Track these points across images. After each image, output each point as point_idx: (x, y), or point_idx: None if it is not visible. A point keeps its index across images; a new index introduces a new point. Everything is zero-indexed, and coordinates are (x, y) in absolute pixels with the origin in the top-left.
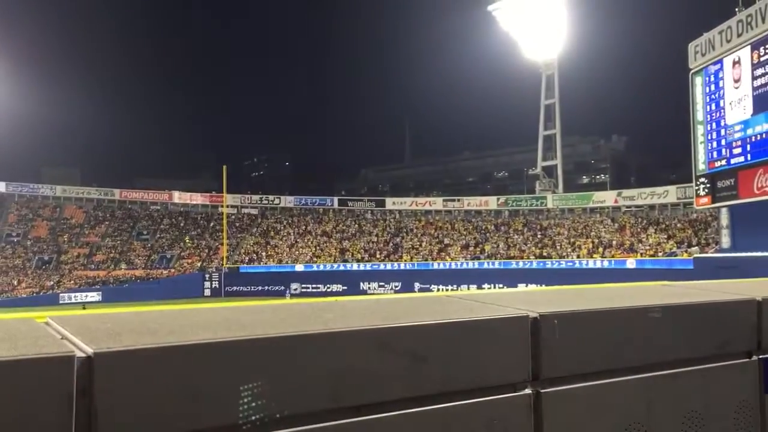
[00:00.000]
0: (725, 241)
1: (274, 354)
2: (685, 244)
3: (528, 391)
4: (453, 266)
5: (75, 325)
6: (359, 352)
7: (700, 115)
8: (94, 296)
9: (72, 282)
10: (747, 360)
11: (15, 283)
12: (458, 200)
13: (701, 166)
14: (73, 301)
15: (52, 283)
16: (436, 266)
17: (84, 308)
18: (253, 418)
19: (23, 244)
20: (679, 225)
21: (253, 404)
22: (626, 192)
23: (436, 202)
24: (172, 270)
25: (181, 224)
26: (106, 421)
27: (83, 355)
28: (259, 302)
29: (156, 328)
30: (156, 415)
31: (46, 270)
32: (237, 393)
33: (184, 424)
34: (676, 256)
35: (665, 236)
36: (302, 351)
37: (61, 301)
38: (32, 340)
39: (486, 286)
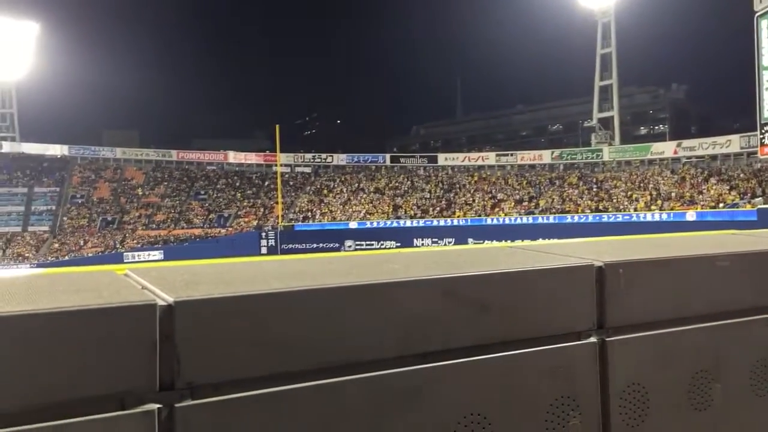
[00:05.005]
0: None
1: (343, 303)
2: (749, 195)
3: (593, 339)
4: (507, 221)
5: (154, 276)
6: (426, 301)
7: (765, 60)
8: (156, 255)
9: (135, 241)
10: None
11: (81, 243)
12: (511, 155)
13: (767, 114)
14: (136, 259)
15: (115, 242)
16: (489, 222)
17: None
18: (324, 364)
19: (87, 205)
20: (742, 175)
21: (323, 351)
22: (686, 142)
23: (489, 157)
24: (230, 229)
25: (237, 184)
26: (187, 365)
27: (164, 303)
28: (326, 255)
29: (231, 279)
30: (233, 360)
31: (110, 230)
32: (308, 340)
33: (259, 368)
34: (738, 207)
35: (727, 187)
36: (370, 300)
37: (125, 260)
38: (115, 290)
39: (541, 241)
